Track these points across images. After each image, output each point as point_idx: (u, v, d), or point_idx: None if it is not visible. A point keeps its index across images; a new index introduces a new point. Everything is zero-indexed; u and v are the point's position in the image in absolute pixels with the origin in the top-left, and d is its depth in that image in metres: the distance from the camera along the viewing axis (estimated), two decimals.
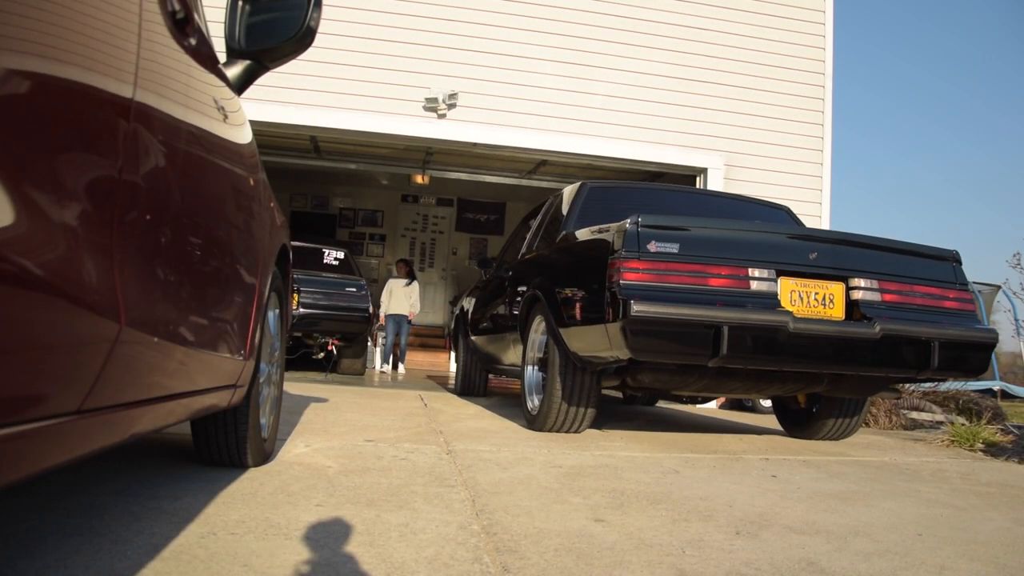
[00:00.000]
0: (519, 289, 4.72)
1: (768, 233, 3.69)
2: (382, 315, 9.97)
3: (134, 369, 1.23)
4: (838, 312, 3.48)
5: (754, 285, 3.36)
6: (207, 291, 1.66)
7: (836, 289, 3.50)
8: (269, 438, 2.59)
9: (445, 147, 8.15)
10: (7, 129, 0.80)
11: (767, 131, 7.87)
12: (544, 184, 9.74)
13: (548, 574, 1.53)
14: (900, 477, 3.11)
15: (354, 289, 8.46)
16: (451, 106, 7.43)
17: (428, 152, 8.97)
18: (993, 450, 4.16)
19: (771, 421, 5.78)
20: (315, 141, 8.70)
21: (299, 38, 1.90)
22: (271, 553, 1.55)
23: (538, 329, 4.22)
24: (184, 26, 1.42)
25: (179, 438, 2.86)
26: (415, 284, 10.30)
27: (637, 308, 3.10)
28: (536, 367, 4.31)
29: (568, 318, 3.69)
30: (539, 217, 5.20)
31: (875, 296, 3.51)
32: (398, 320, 10.10)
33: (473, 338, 6.38)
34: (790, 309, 3.35)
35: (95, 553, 1.47)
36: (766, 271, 3.39)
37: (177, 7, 1.37)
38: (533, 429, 4.00)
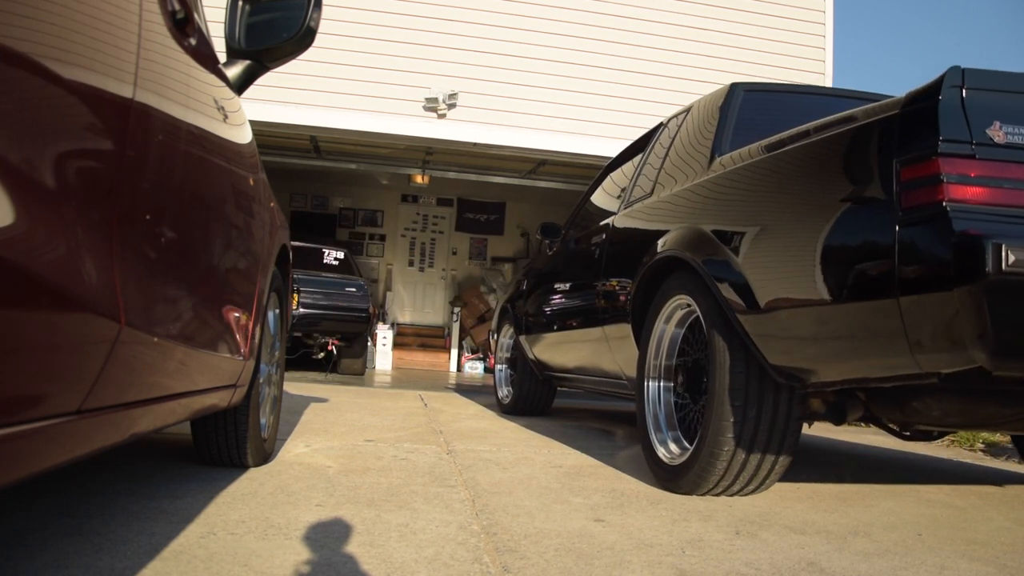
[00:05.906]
0: (631, 256, 3.06)
1: None
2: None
3: (134, 369, 1.23)
4: None
5: None
6: (207, 291, 1.66)
7: None
8: (269, 438, 2.60)
9: (445, 147, 8.16)
10: (7, 129, 0.80)
11: None
12: (544, 184, 9.74)
13: (548, 574, 1.53)
14: (900, 477, 3.11)
15: (354, 289, 8.46)
16: (451, 106, 7.44)
17: (428, 152, 8.98)
18: (993, 450, 4.17)
19: None
20: (315, 141, 8.70)
21: (299, 38, 1.90)
22: (271, 553, 1.55)
23: (672, 318, 2.71)
24: (184, 26, 1.42)
25: (179, 438, 2.86)
26: None
27: (1018, 255, 1.53)
28: (668, 382, 2.74)
29: (765, 295, 2.13)
30: (651, 148, 3.49)
31: None
32: None
33: (526, 337, 4.62)
34: None
35: (95, 553, 1.47)
36: None
37: (177, 7, 1.37)
38: (678, 492, 2.43)
